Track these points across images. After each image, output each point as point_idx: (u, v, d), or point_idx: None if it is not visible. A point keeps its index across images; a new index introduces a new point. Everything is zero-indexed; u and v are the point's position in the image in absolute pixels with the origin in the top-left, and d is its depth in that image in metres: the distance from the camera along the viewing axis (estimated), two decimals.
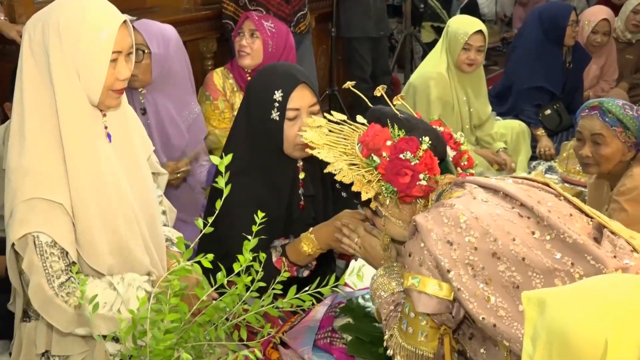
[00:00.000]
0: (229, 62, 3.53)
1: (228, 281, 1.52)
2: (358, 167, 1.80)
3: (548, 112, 4.54)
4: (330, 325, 2.16)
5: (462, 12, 7.46)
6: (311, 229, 2.20)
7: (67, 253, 1.80)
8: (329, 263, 2.56)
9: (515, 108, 4.63)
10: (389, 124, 1.80)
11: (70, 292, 1.79)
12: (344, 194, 1.92)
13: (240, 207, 2.11)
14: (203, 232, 1.53)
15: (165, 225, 2.22)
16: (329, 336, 2.13)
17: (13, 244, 1.78)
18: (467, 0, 7.89)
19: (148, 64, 2.92)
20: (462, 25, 4.02)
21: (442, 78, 4.03)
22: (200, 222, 1.53)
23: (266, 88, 2.22)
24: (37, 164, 1.76)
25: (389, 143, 1.77)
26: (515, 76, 4.70)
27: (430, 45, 5.92)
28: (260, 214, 1.61)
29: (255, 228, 1.58)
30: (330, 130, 1.89)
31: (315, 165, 2.24)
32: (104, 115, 1.88)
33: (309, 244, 2.18)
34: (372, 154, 1.78)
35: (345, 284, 2.55)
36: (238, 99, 3.39)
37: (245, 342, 1.61)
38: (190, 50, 3.85)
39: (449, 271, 1.56)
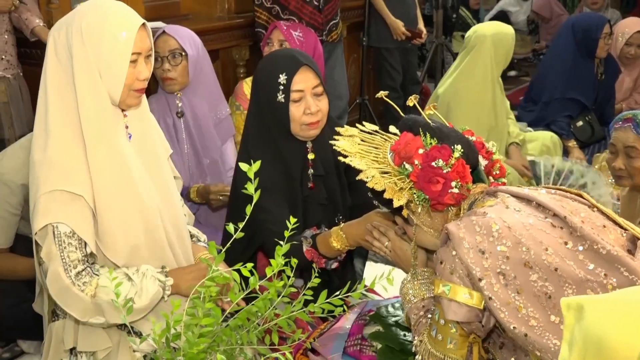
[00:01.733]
0: None
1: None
2: (390, 175, 1.79)
3: (580, 123, 4.50)
4: (360, 332, 2.16)
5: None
6: (342, 224, 2.22)
7: (85, 244, 1.86)
8: (348, 265, 2.61)
9: (545, 118, 4.60)
10: (421, 133, 1.80)
11: (87, 282, 1.85)
12: (375, 202, 1.91)
13: (262, 191, 2.13)
14: (234, 237, 1.55)
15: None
16: (358, 344, 2.13)
17: (36, 234, 1.85)
18: (496, 11, 7.87)
19: (185, 66, 3.01)
20: (513, 36, 4.06)
21: (484, 92, 4.00)
22: (231, 227, 1.55)
23: (271, 72, 2.31)
24: (60, 157, 1.84)
25: (421, 151, 1.76)
26: (547, 87, 4.68)
27: None
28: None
29: (286, 232, 1.59)
30: (362, 140, 1.89)
31: (325, 145, 2.33)
32: (125, 115, 1.96)
33: (338, 240, 2.19)
34: (404, 162, 1.78)
35: (375, 292, 2.56)
36: None
37: (275, 347, 1.61)
38: (222, 58, 3.91)
39: (480, 280, 1.56)
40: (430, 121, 1.86)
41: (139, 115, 2.01)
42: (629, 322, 1.08)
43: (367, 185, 1.79)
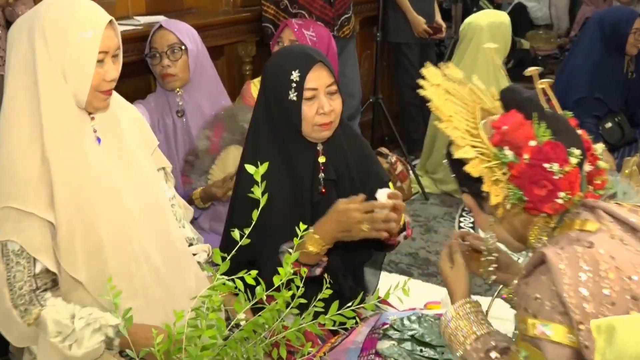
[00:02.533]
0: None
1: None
2: (485, 158, 1.65)
3: (609, 125, 4.49)
4: (374, 347, 2.16)
5: (510, 16, 7.44)
6: (312, 228, 2.21)
7: (35, 262, 1.87)
8: (360, 280, 2.58)
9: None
10: (535, 119, 1.64)
11: (28, 310, 1.86)
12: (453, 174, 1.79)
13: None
14: (240, 243, 1.56)
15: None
16: (372, 359, 2.13)
17: None
18: (514, 3, 7.87)
19: (186, 61, 3.05)
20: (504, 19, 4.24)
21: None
22: (236, 233, 1.55)
23: (283, 69, 2.28)
24: (13, 168, 1.84)
25: (532, 143, 1.61)
26: (572, 86, 4.67)
27: None
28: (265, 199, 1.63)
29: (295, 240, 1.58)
30: (447, 92, 1.75)
31: (337, 148, 2.36)
32: (92, 118, 1.96)
33: (313, 243, 2.18)
34: (505, 148, 1.63)
35: (389, 304, 2.55)
36: None
37: None
38: (228, 54, 3.92)
39: (579, 323, 1.43)
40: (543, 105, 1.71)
41: (108, 118, 2.00)
42: None
43: (465, 168, 1.66)
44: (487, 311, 2.42)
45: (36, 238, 1.86)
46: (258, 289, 1.53)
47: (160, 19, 3.58)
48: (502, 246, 1.96)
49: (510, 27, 4.17)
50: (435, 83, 1.75)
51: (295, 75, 2.25)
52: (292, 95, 2.25)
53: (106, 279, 1.84)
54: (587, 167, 1.71)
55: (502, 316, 2.56)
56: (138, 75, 3.28)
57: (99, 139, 1.96)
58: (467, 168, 1.63)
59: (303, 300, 1.61)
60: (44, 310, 1.86)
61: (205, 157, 3.07)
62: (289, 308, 1.55)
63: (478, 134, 1.67)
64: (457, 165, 1.68)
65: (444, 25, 5.15)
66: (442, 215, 4.07)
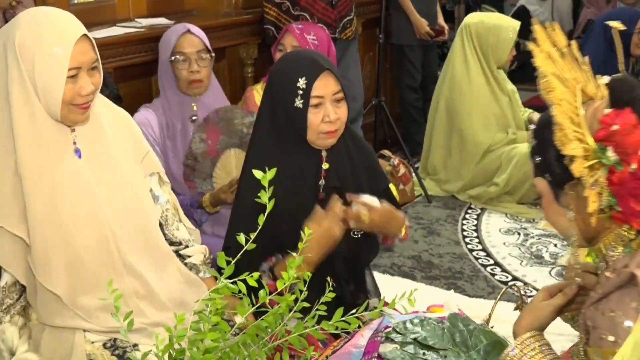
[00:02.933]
0: (266, 76, 3.54)
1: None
2: (587, 154, 1.51)
3: None
4: (376, 350, 2.15)
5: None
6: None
7: (1, 274, 1.91)
8: (362, 284, 2.59)
9: None
10: None
11: None
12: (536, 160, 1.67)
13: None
14: (245, 248, 1.55)
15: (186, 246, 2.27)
16: None
17: None
18: (517, 6, 7.87)
19: (210, 67, 3.12)
20: (500, 23, 4.24)
21: (481, 87, 4.19)
22: (242, 237, 1.55)
23: (290, 75, 2.28)
24: None
25: None
26: None
27: None
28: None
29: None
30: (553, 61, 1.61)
31: (341, 155, 2.37)
32: (73, 130, 1.95)
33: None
34: (609, 148, 1.49)
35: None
36: None
37: None
38: (229, 57, 3.93)
39: None
40: None
41: (91, 129, 1.99)
42: None
43: (565, 162, 1.54)
44: (490, 314, 2.43)
45: (6, 251, 1.88)
46: (261, 292, 1.53)
47: (161, 21, 3.59)
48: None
49: (500, 33, 4.16)
50: (545, 50, 1.60)
51: (302, 83, 2.24)
52: (298, 103, 2.25)
53: (85, 290, 1.93)
54: None
55: (505, 319, 2.56)
56: (140, 78, 3.28)
57: (78, 152, 1.96)
58: (573, 168, 1.50)
59: (306, 304, 1.61)
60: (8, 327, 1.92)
61: (205, 161, 3.07)
62: (292, 312, 1.55)
63: (580, 122, 1.52)
64: (544, 150, 1.60)
65: (446, 27, 5.15)
66: (445, 218, 4.07)
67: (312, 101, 2.25)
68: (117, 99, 2.64)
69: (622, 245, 1.57)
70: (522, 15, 7.59)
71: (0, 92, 1.86)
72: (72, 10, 3.35)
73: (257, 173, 1.61)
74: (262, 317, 1.54)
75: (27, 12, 1.92)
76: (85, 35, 1.88)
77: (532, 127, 1.66)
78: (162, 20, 3.62)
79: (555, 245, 3.70)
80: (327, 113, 2.25)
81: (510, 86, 4.43)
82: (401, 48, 5.06)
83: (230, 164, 3.07)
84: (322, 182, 2.38)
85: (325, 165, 2.37)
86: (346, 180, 2.40)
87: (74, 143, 1.96)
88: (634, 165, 1.44)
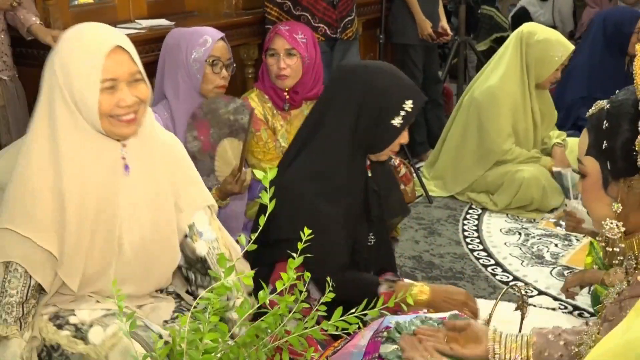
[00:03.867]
0: (258, 82, 3.54)
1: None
2: None
3: None
4: (377, 351, 2.15)
5: (513, 21, 7.45)
6: (424, 284, 2.45)
7: (29, 288, 1.95)
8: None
9: (569, 118, 4.63)
10: None
11: (8, 321, 1.93)
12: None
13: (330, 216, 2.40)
14: (245, 249, 1.56)
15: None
16: None
17: None
18: (518, 7, 7.87)
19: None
20: (556, 40, 4.11)
21: (512, 96, 4.13)
22: (243, 238, 1.56)
23: (395, 93, 2.39)
24: (30, 193, 1.90)
25: None
26: (573, 84, 4.70)
27: (486, 54, 5.92)
28: None
29: None
30: None
31: (376, 164, 2.56)
32: (124, 145, 1.98)
33: (422, 295, 2.40)
34: None
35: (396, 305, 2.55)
36: (278, 122, 3.44)
37: None
38: None
39: None
40: None
41: (141, 147, 2.02)
42: None
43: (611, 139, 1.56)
44: (490, 314, 2.43)
45: (38, 263, 1.94)
46: (261, 293, 1.54)
47: (162, 22, 3.59)
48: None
49: (550, 48, 4.08)
50: None
51: (408, 105, 2.38)
52: (397, 122, 2.37)
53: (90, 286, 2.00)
54: None
55: (505, 319, 2.57)
56: None
57: (127, 167, 1.98)
58: None
59: (306, 305, 1.62)
60: (14, 335, 1.94)
61: (203, 157, 3.07)
62: (292, 313, 1.55)
63: None
64: (613, 137, 1.57)
65: (449, 29, 5.15)
66: (446, 218, 4.07)
67: (408, 124, 2.41)
68: None
69: None
70: (523, 16, 7.60)
71: (48, 107, 1.90)
72: (72, 11, 3.38)
73: (259, 173, 1.61)
74: (262, 318, 1.54)
75: (73, 27, 1.96)
76: (121, 47, 1.88)
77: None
78: (163, 22, 3.62)
79: (556, 245, 3.70)
80: (404, 137, 2.43)
81: (546, 109, 4.34)
82: (404, 48, 5.06)
83: (227, 154, 3.06)
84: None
85: (369, 173, 2.54)
86: (385, 188, 2.61)
87: (123, 158, 1.98)
88: None
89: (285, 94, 3.42)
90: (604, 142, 1.61)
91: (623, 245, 1.62)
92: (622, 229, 1.59)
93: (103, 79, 1.85)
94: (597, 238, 1.67)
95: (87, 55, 1.86)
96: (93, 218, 1.94)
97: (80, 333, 1.98)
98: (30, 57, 3.17)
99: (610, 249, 1.63)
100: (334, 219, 2.40)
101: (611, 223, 1.60)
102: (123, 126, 1.92)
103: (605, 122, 1.61)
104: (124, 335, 1.74)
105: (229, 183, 2.98)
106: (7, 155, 2.56)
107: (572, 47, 4.09)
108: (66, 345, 1.97)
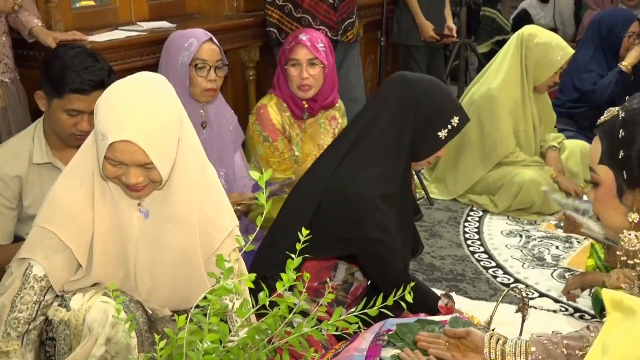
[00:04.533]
0: (274, 88, 3.50)
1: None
2: None
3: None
4: (378, 354, 2.15)
5: (514, 23, 7.46)
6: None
7: (47, 292, 1.98)
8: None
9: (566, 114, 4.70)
10: None
11: (11, 336, 1.95)
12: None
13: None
14: (244, 249, 1.56)
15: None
16: None
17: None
18: (519, 10, 7.88)
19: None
20: (557, 44, 4.11)
21: (512, 99, 4.13)
22: (241, 240, 1.56)
23: (445, 108, 2.58)
24: (67, 202, 1.96)
25: None
26: (563, 84, 4.74)
27: (487, 56, 5.92)
28: None
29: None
30: None
31: None
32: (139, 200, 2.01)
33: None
34: None
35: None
36: (294, 131, 3.44)
37: None
38: (231, 60, 3.93)
39: None
40: None
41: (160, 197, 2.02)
42: None
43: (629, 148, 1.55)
44: (491, 316, 2.43)
45: (60, 274, 1.98)
46: (261, 294, 1.54)
47: (163, 24, 3.60)
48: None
49: (550, 51, 4.07)
50: None
51: (455, 120, 2.56)
52: (443, 134, 2.55)
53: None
54: None
55: (506, 321, 2.57)
56: None
57: (143, 213, 2.01)
58: None
59: (307, 306, 1.62)
60: (15, 354, 1.94)
61: None
62: (292, 314, 1.55)
63: None
64: (630, 147, 1.56)
65: (454, 30, 5.15)
66: (447, 220, 4.07)
67: (452, 137, 2.59)
68: (110, 73, 2.63)
69: None
70: (524, 19, 7.61)
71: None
72: (74, 14, 3.38)
73: (254, 174, 1.60)
74: (262, 319, 1.54)
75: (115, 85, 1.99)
76: (129, 141, 1.85)
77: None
78: (164, 24, 3.62)
79: (557, 247, 3.70)
80: (442, 151, 2.63)
81: (544, 112, 4.34)
82: (408, 48, 5.07)
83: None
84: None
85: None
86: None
87: (139, 204, 2.00)
88: None
89: (304, 103, 3.42)
90: (620, 151, 1.59)
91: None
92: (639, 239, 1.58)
93: (108, 157, 1.87)
94: (617, 252, 1.66)
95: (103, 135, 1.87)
96: (112, 255, 2.00)
97: (64, 301, 2.00)
98: (32, 59, 3.16)
99: (632, 262, 1.62)
100: (392, 220, 2.53)
101: (629, 234, 1.59)
102: (130, 192, 1.94)
103: (621, 130, 1.59)
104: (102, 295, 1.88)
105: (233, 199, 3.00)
106: (6, 146, 2.63)
107: (572, 51, 4.09)
108: (52, 315, 2.00)
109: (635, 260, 1.60)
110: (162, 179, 1.92)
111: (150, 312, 2.03)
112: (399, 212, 2.58)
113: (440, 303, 2.51)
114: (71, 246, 1.95)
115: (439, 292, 2.65)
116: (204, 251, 2.05)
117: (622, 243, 1.60)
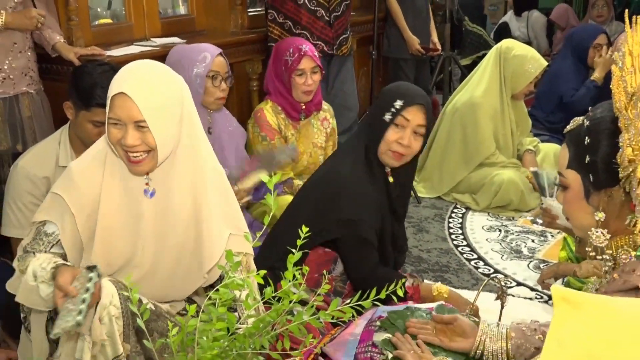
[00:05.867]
0: (269, 94, 3.50)
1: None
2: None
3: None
4: (370, 339, 2.15)
5: (495, 35, 7.46)
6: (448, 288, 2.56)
7: (53, 246, 1.96)
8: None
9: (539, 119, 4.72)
10: None
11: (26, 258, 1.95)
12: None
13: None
14: (253, 243, 1.56)
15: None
16: (369, 351, 2.11)
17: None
18: (500, 22, 7.91)
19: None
20: (531, 56, 4.13)
21: (491, 106, 4.14)
22: (249, 236, 1.55)
23: (388, 95, 2.52)
24: (80, 177, 1.95)
25: None
26: (542, 94, 4.78)
27: (469, 68, 5.92)
28: None
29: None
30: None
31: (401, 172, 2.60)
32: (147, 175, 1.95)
33: (439, 292, 2.52)
34: None
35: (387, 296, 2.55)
36: (289, 132, 3.45)
37: (287, 352, 1.61)
38: (236, 72, 3.93)
39: None
40: None
41: (163, 174, 1.96)
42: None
43: (598, 154, 1.53)
44: (473, 303, 2.42)
45: (69, 235, 1.95)
46: (267, 289, 1.54)
47: (175, 40, 3.59)
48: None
49: (526, 63, 4.08)
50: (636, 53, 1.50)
51: (398, 104, 2.47)
52: (387, 117, 2.47)
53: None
54: None
55: (487, 308, 2.56)
56: None
57: (147, 192, 1.95)
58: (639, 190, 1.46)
59: (305, 296, 1.62)
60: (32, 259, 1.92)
61: (232, 182, 3.08)
62: (292, 303, 1.55)
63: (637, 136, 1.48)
64: (595, 152, 1.55)
65: (439, 44, 5.16)
66: (433, 217, 4.07)
67: (398, 120, 2.46)
68: None
69: (634, 249, 1.55)
70: (504, 31, 7.63)
71: None
72: (93, 31, 3.37)
73: (263, 177, 1.61)
74: (267, 312, 1.54)
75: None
76: (125, 94, 1.82)
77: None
78: (175, 40, 3.62)
79: (533, 240, 3.69)
80: (405, 141, 2.47)
81: (520, 118, 4.34)
82: (397, 61, 5.08)
83: (249, 179, 3.06)
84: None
85: (391, 179, 2.59)
86: (405, 193, 2.72)
87: (147, 184, 1.95)
88: None
89: (302, 105, 3.43)
90: (586, 156, 1.59)
91: (611, 251, 1.61)
92: (608, 236, 1.58)
93: (109, 117, 1.86)
94: (586, 248, 1.65)
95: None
96: (116, 233, 1.95)
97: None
98: (54, 72, 3.16)
99: (600, 257, 1.62)
100: (368, 202, 2.50)
101: (597, 231, 1.59)
102: (132, 165, 1.90)
103: (586, 137, 1.59)
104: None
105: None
106: (37, 148, 2.64)
107: (545, 63, 4.12)
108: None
109: (604, 256, 1.60)
110: (157, 145, 1.86)
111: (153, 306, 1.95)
112: (376, 196, 2.55)
113: (407, 284, 2.51)
114: (75, 214, 1.92)
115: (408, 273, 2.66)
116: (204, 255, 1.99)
117: (591, 240, 1.60)
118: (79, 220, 1.93)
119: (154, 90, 1.85)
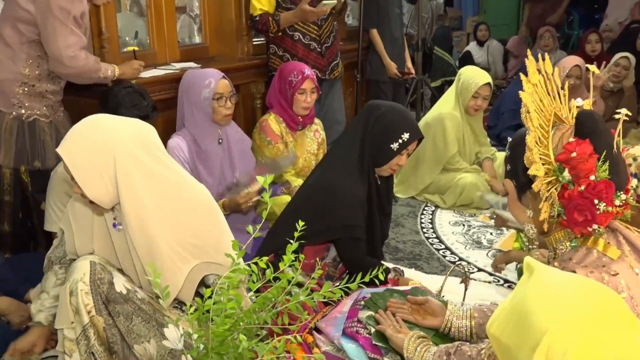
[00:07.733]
0: (272, 107, 3.52)
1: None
2: (548, 172, 1.47)
3: None
4: (356, 316, 2.15)
5: (459, 61, 7.50)
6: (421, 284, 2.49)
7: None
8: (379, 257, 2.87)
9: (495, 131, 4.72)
10: (601, 156, 1.45)
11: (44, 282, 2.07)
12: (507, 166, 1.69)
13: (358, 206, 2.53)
14: (253, 236, 1.56)
15: None
16: (355, 326, 2.12)
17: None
18: (464, 51, 7.95)
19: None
20: (473, 76, 4.14)
21: (455, 118, 4.16)
22: (250, 228, 1.55)
23: (396, 126, 2.52)
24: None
25: (592, 178, 1.43)
26: (498, 113, 4.80)
27: (438, 89, 5.95)
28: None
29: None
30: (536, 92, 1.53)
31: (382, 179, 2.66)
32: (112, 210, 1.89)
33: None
34: (566, 170, 1.45)
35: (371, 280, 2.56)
36: (289, 139, 3.50)
37: (286, 327, 1.62)
38: (242, 92, 3.94)
39: None
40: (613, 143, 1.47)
41: (120, 213, 1.83)
42: (552, 305, 1.02)
43: (529, 172, 1.50)
44: (442, 286, 2.43)
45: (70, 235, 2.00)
46: (267, 271, 1.54)
47: (191, 64, 3.59)
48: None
49: (475, 85, 4.12)
50: (533, 81, 1.54)
51: (405, 136, 2.51)
52: (394, 146, 2.51)
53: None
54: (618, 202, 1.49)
55: (453, 290, 2.58)
56: (173, 108, 3.28)
57: (115, 225, 1.90)
58: (534, 186, 1.48)
59: (301, 279, 1.62)
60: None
61: (243, 187, 3.07)
62: (290, 285, 1.55)
63: (547, 144, 1.49)
64: (514, 161, 1.58)
65: (412, 69, 5.19)
66: (408, 214, 4.08)
67: (406, 151, 2.54)
68: (153, 109, 2.62)
69: (569, 240, 1.56)
70: (467, 58, 7.66)
71: None
72: (122, 57, 3.36)
73: (259, 178, 1.61)
74: (268, 290, 1.54)
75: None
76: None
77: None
78: (192, 64, 3.62)
79: (491, 233, 3.71)
80: (403, 160, 2.58)
81: (478, 130, 4.35)
82: (377, 83, 5.09)
83: (258, 183, 3.05)
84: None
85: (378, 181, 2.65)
86: (387, 192, 2.75)
87: (114, 218, 1.90)
88: (582, 187, 1.43)
89: (300, 118, 3.48)
90: (509, 165, 1.66)
91: (541, 239, 1.66)
92: (535, 230, 1.62)
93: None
94: (523, 238, 1.73)
95: None
96: (108, 253, 1.96)
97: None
98: (73, 87, 3.00)
99: (532, 246, 1.71)
100: (362, 212, 2.53)
101: (528, 226, 1.64)
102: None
103: (509, 151, 1.67)
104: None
105: (238, 204, 2.97)
106: None
107: (480, 82, 4.09)
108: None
109: (535, 244, 1.65)
110: (87, 196, 1.75)
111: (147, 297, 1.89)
112: (369, 206, 2.58)
113: (390, 276, 2.52)
114: (74, 232, 1.98)
115: (392, 267, 2.65)
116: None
117: (526, 232, 1.65)
118: (77, 236, 1.97)
119: (80, 146, 1.72)
